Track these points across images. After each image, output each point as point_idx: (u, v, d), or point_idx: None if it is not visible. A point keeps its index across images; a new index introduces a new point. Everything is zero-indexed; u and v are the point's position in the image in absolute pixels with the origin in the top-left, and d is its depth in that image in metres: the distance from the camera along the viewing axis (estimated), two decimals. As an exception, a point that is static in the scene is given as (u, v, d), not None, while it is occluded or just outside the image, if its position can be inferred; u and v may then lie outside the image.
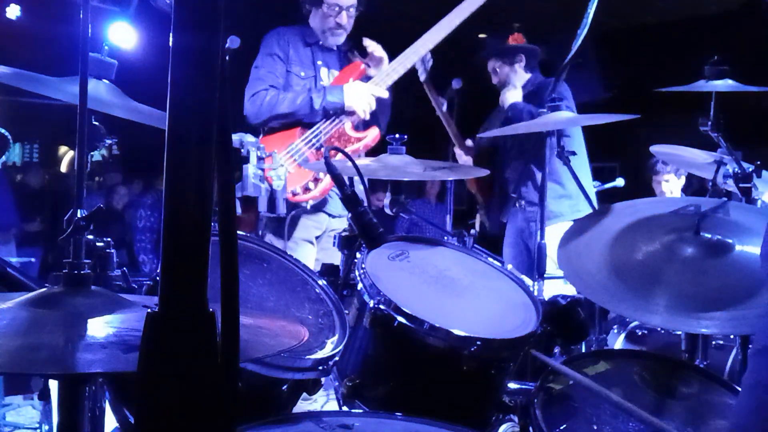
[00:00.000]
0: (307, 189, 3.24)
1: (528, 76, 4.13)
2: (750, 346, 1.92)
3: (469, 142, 4.31)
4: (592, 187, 4.11)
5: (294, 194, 3.20)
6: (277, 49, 3.38)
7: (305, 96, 3.28)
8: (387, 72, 3.39)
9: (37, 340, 0.87)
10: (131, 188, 7.89)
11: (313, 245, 3.37)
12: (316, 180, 3.25)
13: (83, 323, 0.93)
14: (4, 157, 5.58)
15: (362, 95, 3.30)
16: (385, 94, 3.38)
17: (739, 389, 1.56)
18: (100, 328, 0.93)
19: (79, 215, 1.17)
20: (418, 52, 3.38)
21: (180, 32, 0.62)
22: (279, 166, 2.72)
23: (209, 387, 0.64)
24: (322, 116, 3.30)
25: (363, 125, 3.40)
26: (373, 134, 3.37)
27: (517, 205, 4.10)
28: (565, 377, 1.59)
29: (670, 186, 4.91)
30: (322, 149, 3.27)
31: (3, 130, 5.41)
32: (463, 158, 4.28)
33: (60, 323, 0.93)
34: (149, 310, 0.64)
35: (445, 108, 4.10)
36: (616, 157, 7.18)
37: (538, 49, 4.17)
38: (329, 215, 3.39)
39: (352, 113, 3.31)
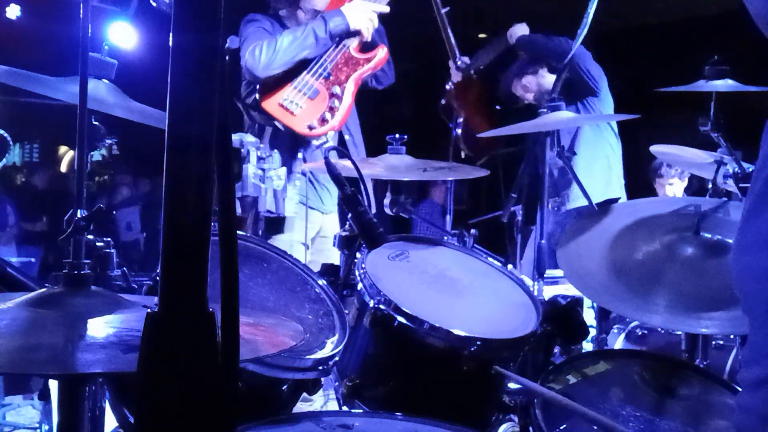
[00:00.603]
0: (324, 120, 3.09)
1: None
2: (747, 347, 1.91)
3: (465, 59, 4.07)
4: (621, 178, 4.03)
5: (311, 128, 3.06)
6: (267, 25, 3.28)
7: (305, 28, 3.10)
8: None
9: (37, 340, 0.87)
10: (138, 189, 7.88)
11: (308, 249, 3.33)
12: (332, 109, 3.10)
13: (83, 323, 0.93)
14: (4, 160, 5.54)
15: (363, 12, 3.15)
16: (386, 9, 3.22)
17: (739, 389, 1.55)
18: (100, 328, 0.93)
19: (79, 215, 1.18)
20: None
21: (180, 32, 0.62)
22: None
23: (209, 387, 0.64)
24: (330, 45, 3.13)
25: (367, 47, 3.25)
26: (381, 52, 3.22)
27: (549, 206, 3.99)
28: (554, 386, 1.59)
29: (674, 189, 4.81)
30: (331, 78, 3.16)
31: (3, 132, 5.36)
32: (453, 72, 4.08)
33: (60, 323, 0.93)
34: (149, 310, 0.64)
35: (444, 12, 3.85)
36: (617, 157, 7.16)
37: None
38: (321, 213, 3.33)
39: (357, 33, 3.15)
